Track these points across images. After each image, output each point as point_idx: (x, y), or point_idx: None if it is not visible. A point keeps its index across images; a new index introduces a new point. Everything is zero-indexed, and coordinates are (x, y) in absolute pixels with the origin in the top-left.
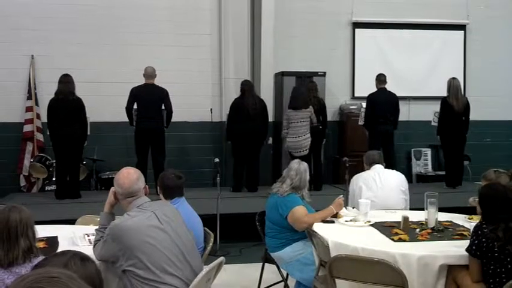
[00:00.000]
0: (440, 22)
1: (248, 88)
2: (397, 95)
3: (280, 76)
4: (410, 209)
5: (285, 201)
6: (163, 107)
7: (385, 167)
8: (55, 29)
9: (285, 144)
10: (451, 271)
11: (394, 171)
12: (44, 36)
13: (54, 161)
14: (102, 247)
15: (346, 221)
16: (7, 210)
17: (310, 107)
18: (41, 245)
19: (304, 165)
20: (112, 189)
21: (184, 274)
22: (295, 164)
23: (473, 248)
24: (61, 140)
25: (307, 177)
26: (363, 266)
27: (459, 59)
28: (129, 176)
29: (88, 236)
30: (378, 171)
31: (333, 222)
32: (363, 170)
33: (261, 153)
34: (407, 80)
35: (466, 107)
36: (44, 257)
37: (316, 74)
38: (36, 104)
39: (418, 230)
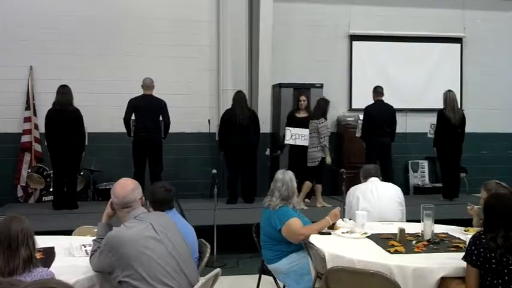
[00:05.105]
0: (436, 35)
1: (238, 98)
2: (394, 107)
3: (277, 88)
4: (407, 220)
5: (277, 215)
6: (161, 118)
7: (382, 180)
8: (53, 39)
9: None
10: (442, 282)
11: (390, 183)
12: (43, 47)
13: (52, 171)
14: (98, 258)
15: (343, 232)
16: (8, 220)
17: (322, 119)
18: (37, 255)
19: (289, 174)
20: (110, 200)
21: (181, 285)
22: (279, 174)
23: (473, 258)
24: (59, 151)
25: (294, 185)
26: (359, 278)
27: (456, 71)
28: (125, 187)
29: (85, 246)
30: (375, 183)
31: (329, 233)
32: (360, 182)
33: (259, 164)
34: (404, 92)
35: (462, 120)
36: (43, 268)
37: (313, 85)
38: (35, 114)
39: (414, 242)
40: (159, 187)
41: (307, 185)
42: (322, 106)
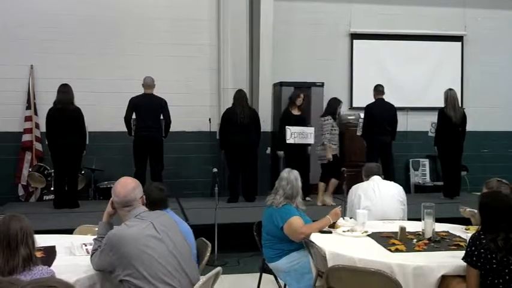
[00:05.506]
0: (437, 33)
1: (238, 97)
2: (395, 105)
3: (278, 86)
4: (408, 219)
5: (280, 213)
6: (161, 117)
7: (383, 178)
8: (54, 38)
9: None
10: (443, 281)
11: (392, 182)
12: (44, 46)
13: (53, 170)
14: (99, 256)
15: (344, 231)
16: (7, 219)
17: (328, 116)
18: (38, 254)
19: (294, 174)
20: (111, 199)
21: (182, 284)
22: (285, 173)
23: (474, 259)
24: (59, 150)
25: (299, 184)
26: (360, 276)
27: (457, 70)
28: (126, 185)
29: (86, 245)
30: (377, 182)
31: (330, 232)
32: (361, 180)
33: (260, 162)
34: (405, 91)
35: (463, 118)
36: (43, 266)
37: (314, 84)
38: (35, 113)
39: (415, 240)
40: (153, 187)
41: (333, 182)
42: (331, 105)
